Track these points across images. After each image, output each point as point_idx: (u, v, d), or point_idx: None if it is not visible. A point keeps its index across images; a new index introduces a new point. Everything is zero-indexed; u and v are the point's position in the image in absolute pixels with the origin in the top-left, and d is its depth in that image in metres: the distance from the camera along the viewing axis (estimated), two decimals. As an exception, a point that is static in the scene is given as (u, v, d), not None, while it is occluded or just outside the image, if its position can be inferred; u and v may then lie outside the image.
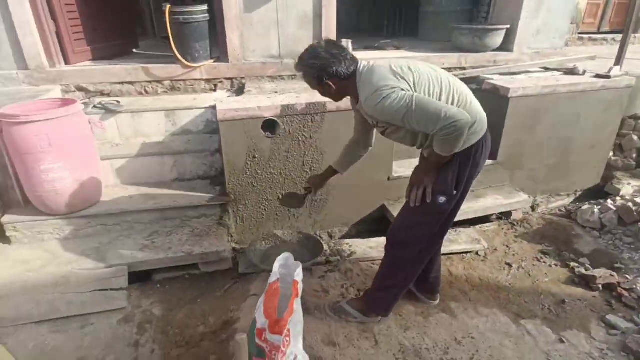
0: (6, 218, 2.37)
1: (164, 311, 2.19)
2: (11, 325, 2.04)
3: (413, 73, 1.60)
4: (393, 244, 1.93)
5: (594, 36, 5.72)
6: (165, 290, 2.35)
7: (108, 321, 2.11)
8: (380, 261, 2.07)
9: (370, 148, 2.06)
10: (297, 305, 1.52)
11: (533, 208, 3.35)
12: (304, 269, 2.43)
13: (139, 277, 2.39)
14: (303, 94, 2.72)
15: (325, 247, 2.69)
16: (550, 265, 2.65)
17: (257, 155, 2.55)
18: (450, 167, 1.68)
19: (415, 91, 1.56)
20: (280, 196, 2.53)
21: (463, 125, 1.48)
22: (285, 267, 1.77)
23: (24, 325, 2.05)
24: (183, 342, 1.99)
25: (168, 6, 2.93)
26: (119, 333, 2.04)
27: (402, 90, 1.53)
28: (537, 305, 2.30)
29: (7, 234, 2.39)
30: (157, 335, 2.03)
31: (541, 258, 2.71)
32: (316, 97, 2.64)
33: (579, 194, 3.55)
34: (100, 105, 2.82)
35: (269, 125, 2.51)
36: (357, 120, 1.96)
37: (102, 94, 3.12)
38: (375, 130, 1.92)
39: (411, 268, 1.94)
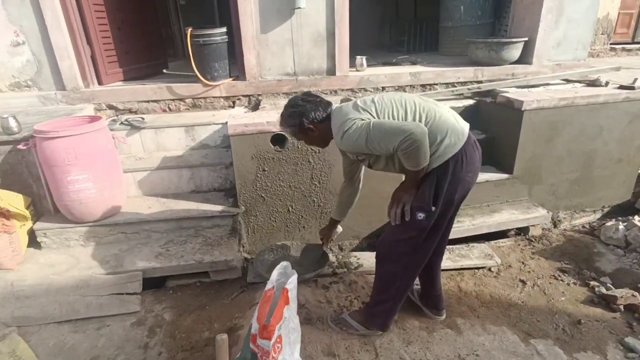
0: (38, 225, 2.58)
1: (174, 316, 2.29)
2: (36, 324, 2.21)
3: (375, 104, 1.72)
4: (378, 259, 1.98)
5: (627, 46, 5.48)
6: (176, 296, 2.46)
7: (122, 323, 2.23)
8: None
9: (359, 185, 2.16)
10: (287, 312, 1.56)
11: (555, 224, 3.22)
12: (309, 280, 2.49)
13: (155, 283, 2.52)
14: (313, 109, 2.80)
15: (333, 258, 2.72)
16: (568, 284, 2.53)
17: (266, 169, 2.64)
18: (427, 183, 1.70)
19: (378, 118, 1.67)
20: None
21: (419, 136, 1.53)
22: (284, 276, 1.82)
23: (47, 325, 2.22)
24: (188, 347, 2.07)
25: (189, 29, 3.14)
26: (131, 335, 2.16)
27: (362, 120, 1.64)
28: (550, 325, 2.20)
29: (38, 239, 2.60)
30: (165, 339, 2.13)
31: (559, 276, 2.60)
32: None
33: (606, 210, 3.38)
34: (126, 122, 3.04)
35: (278, 139, 2.61)
36: (345, 164, 2.08)
37: (130, 111, 3.35)
38: (361, 173, 2.10)
39: (400, 282, 1.94)
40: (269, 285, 1.72)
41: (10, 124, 2.47)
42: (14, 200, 2.45)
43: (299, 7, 3.12)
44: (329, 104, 1.83)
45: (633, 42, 5.63)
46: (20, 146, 2.40)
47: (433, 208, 1.72)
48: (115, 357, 2.02)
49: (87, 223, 2.57)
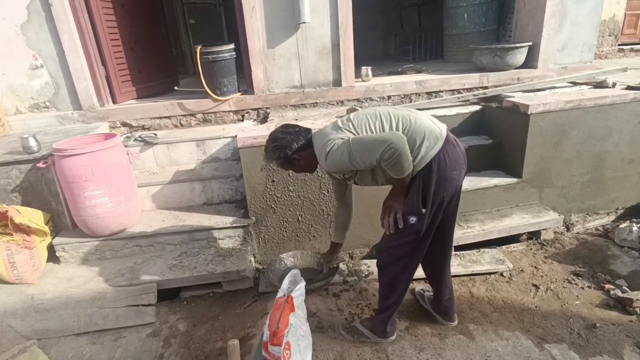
0: (57, 240, 2.67)
1: (188, 327, 2.33)
2: (55, 337, 2.28)
3: (352, 121, 1.75)
4: (379, 265, 2.01)
5: (635, 47, 5.44)
6: (190, 307, 2.50)
7: (138, 335, 2.29)
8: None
9: (352, 210, 2.24)
10: (292, 319, 1.59)
11: (568, 227, 3.19)
12: (319, 288, 2.51)
13: (169, 294, 2.57)
14: (319, 120, 2.87)
15: (343, 267, 2.73)
16: (582, 287, 2.50)
17: (275, 179, 2.70)
18: (414, 186, 1.72)
19: (357, 134, 1.70)
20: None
21: (398, 144, 1.55)
22: (294, 284, 1.85)
23: (66, 337, 2.29)
24: (202, 356, 2.10)
25: (199, 47, 3.25)
26: (147, 346, 2.20)
27: (342, 138, 1.68)
28: (565, 329, 2.18)
29: (57, 254, 2.68)
30: (180, 349, 2.17)
31: (573, 280, 2.57)
32: (331, 120, 2.78)
33: (620, 212, 3.33)
34: (140, 138, 3.14)
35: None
36: (334, 186, 2.16)
37: (143, 128, 3.46)
38: (351, 193, 2.17)
39: (402, 285, 1.97)
40: (280, 294, 1.76)
41: (30, 144, 2.58)
42: (34, 217, 2.55)
43: (304, 22, 3.21)
44: (308, 130, 1.88)
45: (641, 43, 5.60)
46: (40, 164, 2.50)
47: (423, 210, 1.74)
48: (132, 368, 2.07)
49: (103, 237, 2.65)
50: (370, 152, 1.60)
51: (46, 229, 2.58)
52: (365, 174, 1.81)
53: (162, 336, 2.27)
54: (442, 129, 1.74)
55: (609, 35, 5.25)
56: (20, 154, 2.61)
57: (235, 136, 3.13)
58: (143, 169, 3.16)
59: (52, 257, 2.71)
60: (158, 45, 4.17)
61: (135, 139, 3.13)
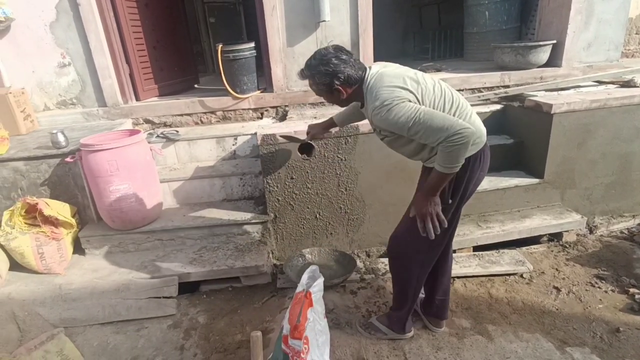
0: (82, 233, 2.76)
1: (208, 319, 2.38)
2: (81, 326, 2.36)
3: (420, 85, 1.61)
4: (392, 255, 1.95)
5: (665, 45, 5.26)
6: (210, 301, 2.55)
7: (159, 326, 2.35)
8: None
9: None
10: (310, 314, 1.61)
11: (591, 230, 3.11)
12: (337, 285, 2.53)
13: (189, 288, 2.62)
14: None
15: (360, 264, 2.74)
16: (605, 291, 2.44)
17: (294, 177, 2.72)
18: None
19: (422, 102, 1.58)
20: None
21: (469, 135, 1.47)
22: (312, 279, 1.87)
23: (91, 326, 2.36)
24: (222, 349, 2.14)
25: (220, 46, 3.30)
26: (168, 337, 2.26)
27: (410, 101, 1.54)
28: (587, 333, 2.14)
29: (82, 246, 2.77)
30: (200, 341, 2.22)
31: (596, 283, 2.51)
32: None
33: (646, 215, 3.24)
34: (162, 135, 3.21)
35: (306, 148, 2.67)
36: (353, 107, 2.01)
37: (165, 124, 3.54)
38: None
39: (417, 281, 1.94)
40: (299, 289, 1.78)
41: (59, 139, 2.67)
42: (61, 210, 2.64)
43: (324, 20, 3.22)
44: (362, 65, 1.67)
45: (672, 41, 5.39)
46: (67, 159, 2.59)
47: (450, 201, 1.73)
48: (153, 358, 2.12)
49: (126, 230, 2.72)
50: (438, 131, 1.48)
51: (73, 221, 2.67)
52: (403, 142, 1.69)
53: (183, 328, 2.32)
54: (485, 130, 1.71)
55: (636, 34, 5.09)
56: (50, 149, 2.71)
57: (255, 133, 3.19)
58: (165, 164, 3.23)
59: (78, 249, 2.80)
60: (179, 43, 4.24)
61: (158, 136, 3.20)
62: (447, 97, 1.65)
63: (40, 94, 3.48)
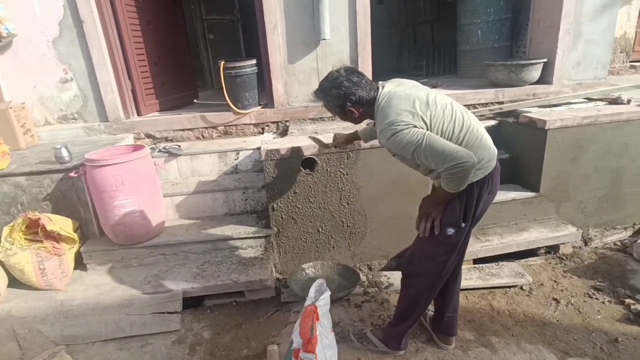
0: (84, 248, 2.75)
1: (213, 334, 2.37)
2: (83, 343, 2.33)
3: (430, 108, 1.64)
4: (406, 275, 1.99)
5: (648, 63, 5.49)
6: (214, 316, 2.55)
7: (164, 342, 2.33)
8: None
9: None
10: (318, 328, 1.62)
11: (586, 242, 3.19)
12: (341, 299, 2.55)
13: (192, 303, 2.62)
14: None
15: (363, 277, 2.77)
16: (602, 302, 2.50)
17: (297, 191, 2.76)
18: (459, 199, 1.72)
19: (431, 127, 1.62)
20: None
21: (469, 167, 1.54)
22: (320, 292, 1.90)
23: (94, 343, 2.33)
24: (228, 364, 2.14)
25: (222, 62, 3.36)
26: (173, 353, 2.25)
27: (415, 127, 1.59)
28: (587, 343, 2.18)
29: (84, 261, 2.75)
30: (205, 356, 2.21)
31: (593, 294, 2.58)
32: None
33: (637, 227, 3.33)
34: (164, 150, 3.23)
35: (308, 163, 2.72)
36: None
37: (166, 139, 3.57)
38: None
39: (424, 302, 1.97)
40: (308, 302, 1.81)
41: (62, 154, 2.68)
42: (64, 224, 2.63)
43: (324, 38, 3.31)
44: (373, 86, 1.73)
45: (653, 59, 5.64)
46: (71, 174, 2.59)
47: (463, 224, 1.77)
48: (159, 374, 2.11)
49: (130, 245, 2.72)
50: (439, 159, 1.56)
51: (75, 236, 2.66)
52: (413, 163, 1.74)
53: (188, 343, 2.31)
54: (496, 152, 1.75)
55: (621, 52, 5.31)
56: (53, 164, 2.71)
57: (257, 148, 3.23)
58: (167, 179, 3.25)
59: (79, 264, 2.78)
60: (180, 59, 4.30)
61: (160, 150, 3.22)
62: (458, 121, 1.67)
63: (41, 109, 3.49)
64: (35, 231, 2.59)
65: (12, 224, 2.57)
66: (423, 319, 2.31)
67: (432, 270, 1.88)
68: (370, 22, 3.38)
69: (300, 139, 2.89)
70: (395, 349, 2.11)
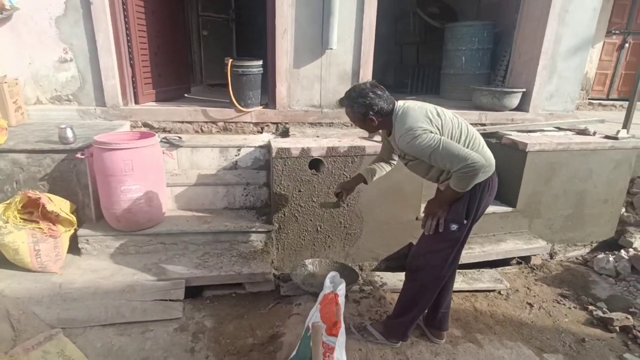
0: (81, 232, 2.69)
1: (215, 323, 2.41)
2: (81, 327, 2.28)
3: (441, 118, 1.90)
4: (412, 269, 2.17)
5: (603, 102, 6.16)
6: (214, 306, 2.58)
7: (165, 329, 2.33)
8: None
9: (394, 163, 2.35)
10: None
11: (551, 256, 3.55)
12: (341, 294, 2.66)
13: (191, 293, 2.63)
14: (344, 138, 3.10)
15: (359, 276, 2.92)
16: (569, 307, 2.82)
17: (302, 190, 2.88)
18: (461, 199, 1.93)
19: (442, 133, 1.86)
20: (320, 203, 2.82)
21: (479, 167, 1.77)
22: (335, 283, 2.02)
23: (92, 328, 2.29)
24: (234, 351, 2.19)
25: (230, 60, 3.43)
26: (176, 340, 2.26)
27: (432, 132, 1.82)
28: (559, 342, 2.46)
29: (79, 245, 2.69)
30: (210, 344, 2.25)
31: (560, 300, 2.89)
32: (356, 141, 3.02)
33: (595, 245, 3.74)
34: (165, 140, 3.23)
35: (315, 164, 2.86)
36: (385, 147, 2.30)
37: (164, 130, 3.55)
38: (395, 157, 2.28)
39: (428, 294, 2.15)
40: (326, 291, 1.92)
41: (67, 134, 2.63)
42: (63, 206, 2.57)
43: (330, 48, 3.48)
44: (392, 100, 1.95)
45: (607, 99, 6.34)
46: (78, 155, 2.55)
47: (465, 221, 1.98)
48: (165, 359, 2.12)
49: (130, 232, 2.70)
50: (452, 160, 1.77)
51: (74, 219, 2.61)
52: (424, 165, 1.96)
53: (190, 331, 2.33)
54: (494, 160, 1.96)
55: (582, 90, 5.92)
56: (55, 144, 2.65)
57: (259, 146, 3.32)
58: (165, 169, 3.23)
59: (73, 248, 2.71)
60: (177, 52, 4.30)
61: (161, 140, 3.21)
62: (463, 130, 1.94)
63: (34, 87, 3.37)
64: (30, 211, 2.52)
65: (8, 201, 2.48)
66: None
67: (437, 263, 2.07)
68: (374, 38, 3.59)
69: (302, 141, 3.02)
70: (394, 341, 2.27)
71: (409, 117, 1.87)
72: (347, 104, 1.97)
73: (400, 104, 1.96)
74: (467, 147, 1.88)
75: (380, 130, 2.12)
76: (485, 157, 1.88)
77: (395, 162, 2.35)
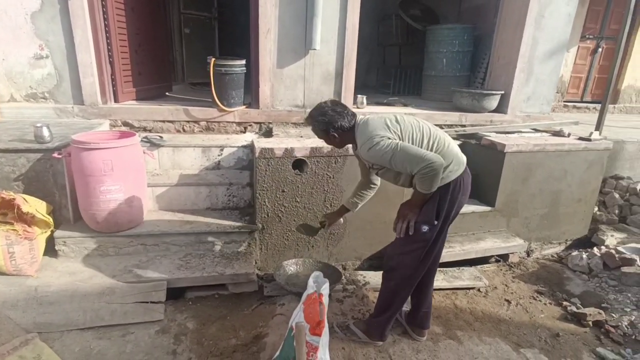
0: (58, 233, 2.62)
1: (197, 325, 2.39)
2: (58, 331, 2.23)
3: (400, 124, 1.97)
4: (386, 270, 2.22)
5: (577, 104, 6.38)
6: (196, 307, 2.56)
7: (147, 331, 2.30)
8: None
9: (376, 186, 2.39)
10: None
11: (528, 253, 3.66)
12: (324, 294, 2.68)
13: (173, 295, 2.60)
14: (327, 139, 3.12)
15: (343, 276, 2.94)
16: (545, 304, 2.91)
17: (285, 190, 2.88)
18: (431, 200, 1.98)
19: (402, 139, 1.93)
20: (299, 224, 2.79)
21: (437, 167, 1.82)
22: (319, 283, 2.03)
23: (70, 332, 2.24)
24: (217, 352, 2.18)
25: (213, 59, 3.40)
26: (157, 342, 2.23)
27: (389, 138, 1.90)
28: (535, 337, 2.54)
29: (56, 247, 2.62)
30: (192, 346, 2.23)
31: (537, 297, 2.98)
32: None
33: (569, 242, 3.88)
34: (146, 139, 3.17)
35: (298, 164, 2.87)
36: (361, 166, 2.35)
37: (144, 129, 3.49)
38: (377, 178, 2.32)
39: (403, 293, 2.20)
40: (309, 291, 1.93)
41: (43, 133, 2.55)
42: (39, 207, 2.50)
43: (314, 49, 3.49)
44: (354, 115, 2.04)
45: (582, 101, 6.56)
46: (55, 155, 2.48)
47: (435, 222, 2.02)
48: (146, 362, 2.09)
49: (109, 233, 2.64)
50: (411, 163, 1.84)
51: (50, 220, 2.54)
52: (391, 172, 2.01)
53: (172, 333, 2.31)
54: (464, 159, 2.04)
55: (557, 92, 6.12)
56: (30, 143, 2.57)
57: (242, 146, 3.31)
58: (146, 169, 3.18)
59: (49, 250, 2.64)
60: (158, 50, 4.24)
61: (142, 140, 3.16)
62: (425, 132, 1.99)
63: (7, 84, 3.26)
64: (4, 212, 2.44)
65: (-20, 202, 2.40)
66: (399, 315, 2.52)
67: (409, 263, 2.11)
68: (357, 39, 3.62)
69: (286, 141, 3.02)
70: (376, 339, 2.30)
71: (368, 126, 1.97)
72: (310, 122, 2.08)
73: (360, 117, 2.06)
74: (432, 148, 1.95)
75: (351, 146, 2.18)
76: (449, 155, 1.95)
77: (377, 183, 2.39)
